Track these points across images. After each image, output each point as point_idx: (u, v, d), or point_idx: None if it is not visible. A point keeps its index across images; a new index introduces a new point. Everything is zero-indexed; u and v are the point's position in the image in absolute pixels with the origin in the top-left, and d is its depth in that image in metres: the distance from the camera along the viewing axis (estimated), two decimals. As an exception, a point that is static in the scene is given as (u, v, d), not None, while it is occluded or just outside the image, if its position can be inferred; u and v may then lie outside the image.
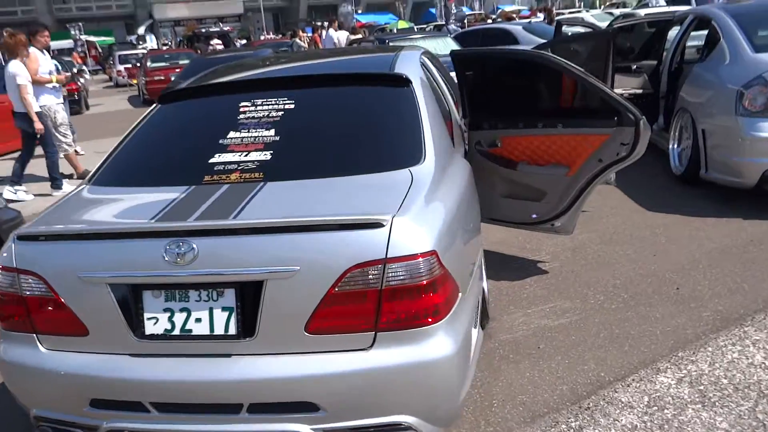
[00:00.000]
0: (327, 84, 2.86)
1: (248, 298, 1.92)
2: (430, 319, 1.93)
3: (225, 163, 2.37)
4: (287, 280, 1.88)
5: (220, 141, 2.50)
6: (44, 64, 6.82)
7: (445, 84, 3.73)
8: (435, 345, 1.94)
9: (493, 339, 2.95)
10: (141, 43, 33.99)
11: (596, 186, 3.49)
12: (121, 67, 23.00)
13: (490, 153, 3.72)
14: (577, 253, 3.90)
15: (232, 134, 2.52)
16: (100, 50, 36.73)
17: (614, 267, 3.65)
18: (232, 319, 1.93)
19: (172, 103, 2.94)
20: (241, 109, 2.66)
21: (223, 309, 1.94)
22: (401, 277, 1.89)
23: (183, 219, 2.00)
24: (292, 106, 2.65)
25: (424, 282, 1.91)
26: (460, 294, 2.11)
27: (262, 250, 1.91)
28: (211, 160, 2.39)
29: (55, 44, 28.66)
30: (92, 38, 37.02)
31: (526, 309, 3.21)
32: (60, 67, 8.58)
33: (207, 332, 1.94)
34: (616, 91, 5.82)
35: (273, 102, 2.67)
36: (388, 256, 1.87)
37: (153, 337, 1.97)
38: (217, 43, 21.53)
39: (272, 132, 2.50)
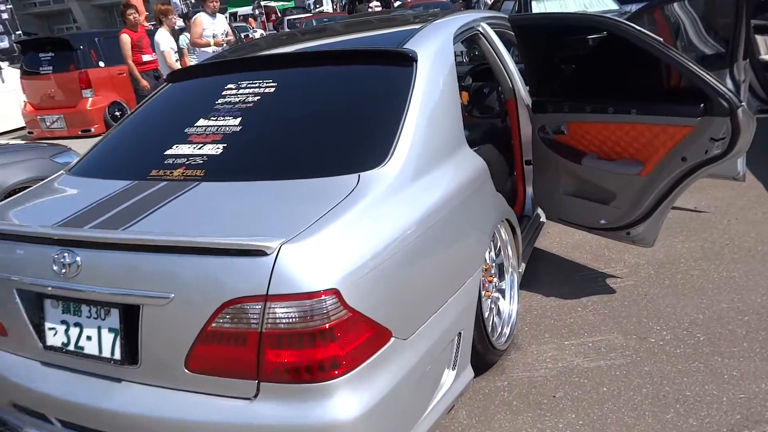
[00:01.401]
0: (323, 63, 2.47)
1: (130, 322, 1.69)
2: (326, 374, 1.54)
3: (177, 156, 2.14)
4: (162, 308, 1.61)
5: (186, 129, 2.27)
6: (209, 27, 7.20)
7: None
8: (333, 406, 1.55)
9: (504, 376, 2.42)
10: (318, 6, 35.17)
11: (684, 190, 2.71)
12: (289, 32, 24.01)
13: (556, 141, 3.07)
14: (665, 269, 3.11)
15: (200, 122, 2.28)
16: (279, 15, 38.87)
17: (705, 295, 2.83)
18: (117, 343, 1.72)
19: (179, 82, 2.77)
20: (224, 93, 2.40)
21: (110, 330, 1.73)
22: (286, 320, 1.52)
23: (81, 225, 1.81)
24: (272, 90, 2.32)
25: (318, 327, 1.52)
26: (392, 340, 1.68)
27: (139, 270, 1.65)
28: (167, 152, 2.18)
29: (239, 10, 30.95)
30: (272, 3, 39.25)
31: (564, 340, 2.61)
32: (228, 32, 9.12)
33: (96, 352, 1.75)
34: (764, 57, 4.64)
35: (256, 85, 2.37)
36: (270, 292, 1.51)
37: (53, 348, 1.83)
38: (375, 5, 21.53)
39: (236, 121, 2.21)
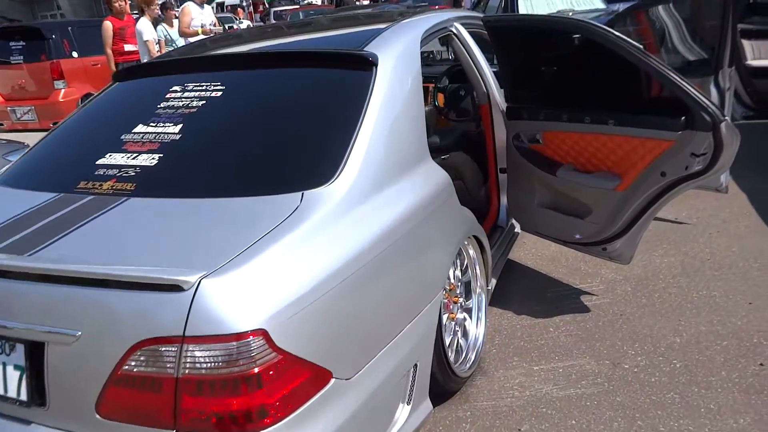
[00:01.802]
0: (276, 65, 2.28)
1: (36, 359, 1.50)
2: (254, 424, 1.37)
3: (109, 166, 1.94)
4: (68, 346, 1.42)
5: (123, 136, 2.07)
6: (197, 17, 7.15)
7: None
8: (262, 459, 1.37)
9: (467, 405, 2.26)
10: (306, -2, 34.77)
11: (664, 206, 2.56)
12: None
13: (531, 150, 2.91)
14: (642, 286, 2.97)
15: (139, 128, 2.08)
16: (266, 6, 38.41)
17: (683, 316, 2.69)
18: (23, 381, 1.53)
19: (126, 82, 2.56)
20: (168, 95, 2.20)
21: (15, 367, 1.54)
22: (206, 364, 1.34)
23: None
24: (218, 94, 2.13)
25: (242, 373, 1.34)
26: (332, 381, 1.51)
27: (44, 303, 1.46)
28: (100, 161, 1.98)
29: (226, 0, 30.47)
30: (259, -7, 38.77)
31: (533, 364, 2.45)
32: (215, 23, 8.92)
33: (1, 392, 1.56)
34: (760, 62, 4.51)
35: (202, 88, 2.18)
36: (187, 333, 1.32)
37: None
38: (363, -2, 21.27)
39: (176, 129, 2.02)
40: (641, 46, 2.27)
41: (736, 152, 2.27)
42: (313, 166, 1.79)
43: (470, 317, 2.49)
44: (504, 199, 3.14)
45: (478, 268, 2.50)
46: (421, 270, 1.94)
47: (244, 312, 1.34)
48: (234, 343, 1.32)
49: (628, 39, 2.30)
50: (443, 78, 4.08)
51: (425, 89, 4.27)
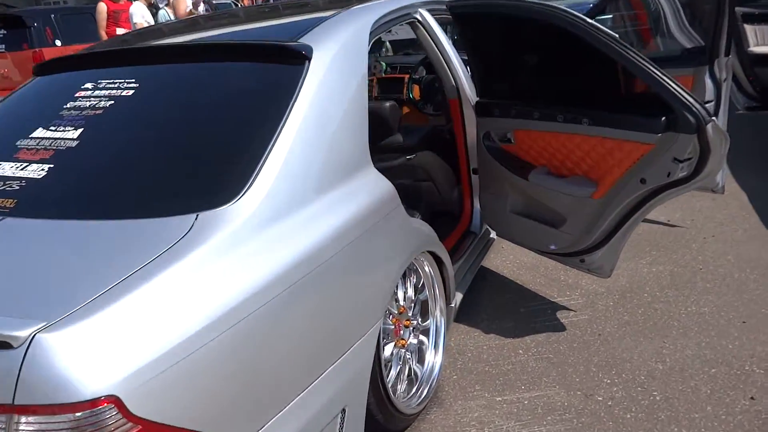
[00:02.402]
0: (198, 59, 2.01)
1: None
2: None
3: (-4, 178, 1.68)
4: None
5: (19, 142, 1.81)
6: (191, 4, 7.14)
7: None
8: None
9: (418, 443, 2.01)
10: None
11: (647, 214, 2.28)
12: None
13: (502, 150, 2.63)
14: (626, 300, 2.69)
15: (37, 132, 1.82)
16: (269, -9, 38.06)
17: (669, 337, 2.41)
18: None
19: (46, 76, 2.30)
20: (78, 94, 1.94)
21: None
22: (43, 439, 1.08)
23: None
24: (130, 93, 1.86)
25: (90, 449, 1.08)
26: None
27: None
28: (-9, 171, 1.72)
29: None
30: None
31: (496, 395, 2.18)
32: (211, 8, 8.69)
33: None
34: (764, 48, 4.17)
35: (115, 85, 1.91)
36: (17, 401, 1.07)
37: None
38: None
39: (76, 134, 1.76)
40: (616, 36, 1.98)
41: (725, 157, 1.98)
42: (216, 181, 1.53)
43: (427, 338, 2.23)
44: (477, 203, 2.88)
45: (436, 287, 2.24)
46: (352, 299, 1.67)
47: (90, 374, 1.08)
48: (76, 414, 1.06)
49: (603, 27, 2.00)
50: (419, 68, 3.80)
51: (400, 80, 4.01)
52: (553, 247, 2.52)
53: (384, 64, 3.91)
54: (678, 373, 2.19)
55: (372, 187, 1.83)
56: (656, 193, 2.15)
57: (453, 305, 2.40)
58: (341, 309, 1.62)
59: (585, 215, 2.31)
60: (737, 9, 3.85)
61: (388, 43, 5.02)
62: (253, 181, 1.49)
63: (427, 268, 2.19)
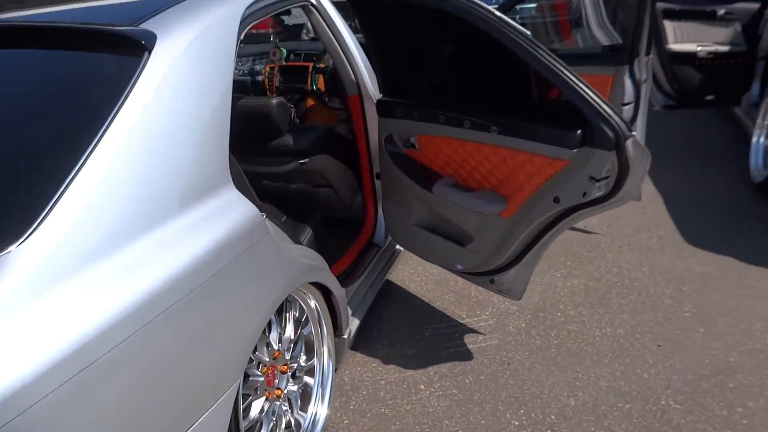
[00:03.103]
0: (41, 44, 1.58)
1: None
2: None
3: None
4: None
5: None
6: None
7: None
8: None
9: None
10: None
11: (561, 233, 2.04)
12: None
13: (405, 156, 2.34)
14: (538, 321, 2.47)
15: None
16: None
17: (582, 365, 2.21)
18: None
19: None
20: None
21: None
22: None
23: None
24: None
25: None
26: None
27: None
28: None
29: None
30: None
31: (391, 443, 1.91)
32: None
33: None
34: (689, 46, 4.08)
35: None
36: None
37: None
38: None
39: None
40: (528, 33, 1.70)
41: (646, 175, 1.76)
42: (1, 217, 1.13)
43: (314, 380, 1.91)
44: (382, 211, 2.58)
45: (323, 322, 1.92)
46: (196, 362, 1.32)
47: None
48: None
49: (512, 22, 1.72)
50: (324, 56, 3.42)
51: (305, 69, 3.63)
52: (459, 267, 2.25)
53: (285, 50, 3.51)
54: (591, 411, 1.98)
55: (231, 214, 1.47)
56: (571, 211, 1.91)
57: (346, 336, 2.10)
58: (180, 377, 1.26)
59: (494, 234, 2.05)
60: (658, 5, 3.71)
61: (309, 25, 4.56)
62: (45, 217, 1.11)
63: (311, 302, 1.86)
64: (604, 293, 2.63)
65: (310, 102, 3.68)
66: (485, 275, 2.25)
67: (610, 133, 1.62)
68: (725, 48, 4.12)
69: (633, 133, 1.63)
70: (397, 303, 2.67)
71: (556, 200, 1.85)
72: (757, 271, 2.71)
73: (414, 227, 2.36)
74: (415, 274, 2.89)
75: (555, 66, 1.65)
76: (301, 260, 1.75)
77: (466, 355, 2.29)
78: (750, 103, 4.19)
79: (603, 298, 2.59)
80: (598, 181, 1.73)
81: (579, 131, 1.68)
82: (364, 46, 2.47)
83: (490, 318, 2.51)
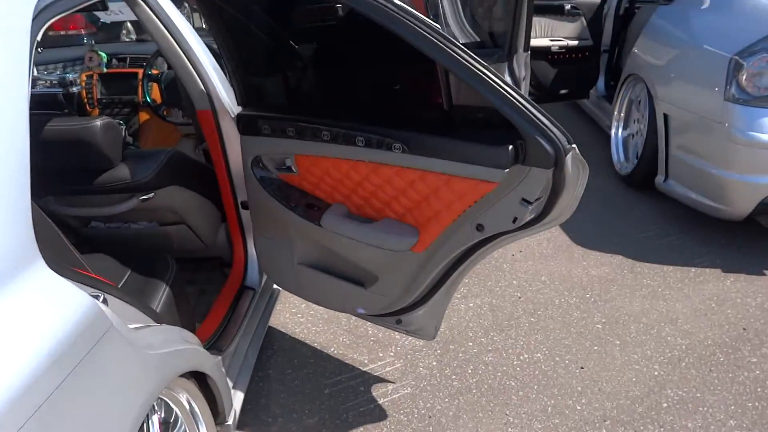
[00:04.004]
0: None
1: None
2: None
3: None
4: None
5: None
6: None
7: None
8: None
9: None
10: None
11: (479, 261, 1.74)
12: None
13: (281, 182, 1.89)
14: (451, 356, 2.17)
15: None
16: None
17: (509, 403, 1.94)
18: None
19: None
20: None
21: None
22: None
23: None
24: None
25: None
26: None
27: None
28: None
29: None
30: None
31: None
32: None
33: None
34: (542, 41, 4.07)
35: None
36: None
37: None
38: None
39: None
40: (437, 27, 1.35)
41: (582, 192, 1.51)
42: None
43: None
44: (253, 247, 2.12)
45: (199, 417, 1.43)
46: None
47: None
48: None
49: (416, 13, 1.36)
50: (156, 60, 2.83)
51: (133, 76, 3.00)
52: (360, 311, 1.87)
53: (104, 54, 2.86)
54: (533, 464, 1.71)
55: (45, 313, 0.94)
56: (492, 238, 1.61)
57: (231, 422, 1.62)
58: None
59: (404, 272, 1.69)
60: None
61: (129, 24, 3.81)
62: None
63: (182, 397, 1.37)
64: (511, 312, 2.41)
65: (144, 116, 3.06)
66: (391, 315, 1.90)
67: (549, 148, 1.33)
68: (574, 42, 4.19)
69: (573, 145, 1.36)
70: (283, 354, 2.21)
71: (480, 228, 1.53)
72: (648, 268, 2.67)
73: (298, 266, 1.93)
74: (298, 313, 2.45)
75: (476, 67, 1.33)
76: (166, 349, 1.24)
77: (379, 413, 1.92)
78: (598, 96, 4.32)
79: (511, 318, 2.37)
80: (531, 203, 1.44)
81: (510, 147, 1.37)
82: (213, 50, 1.98)
83: (395, 360, 2.16)
